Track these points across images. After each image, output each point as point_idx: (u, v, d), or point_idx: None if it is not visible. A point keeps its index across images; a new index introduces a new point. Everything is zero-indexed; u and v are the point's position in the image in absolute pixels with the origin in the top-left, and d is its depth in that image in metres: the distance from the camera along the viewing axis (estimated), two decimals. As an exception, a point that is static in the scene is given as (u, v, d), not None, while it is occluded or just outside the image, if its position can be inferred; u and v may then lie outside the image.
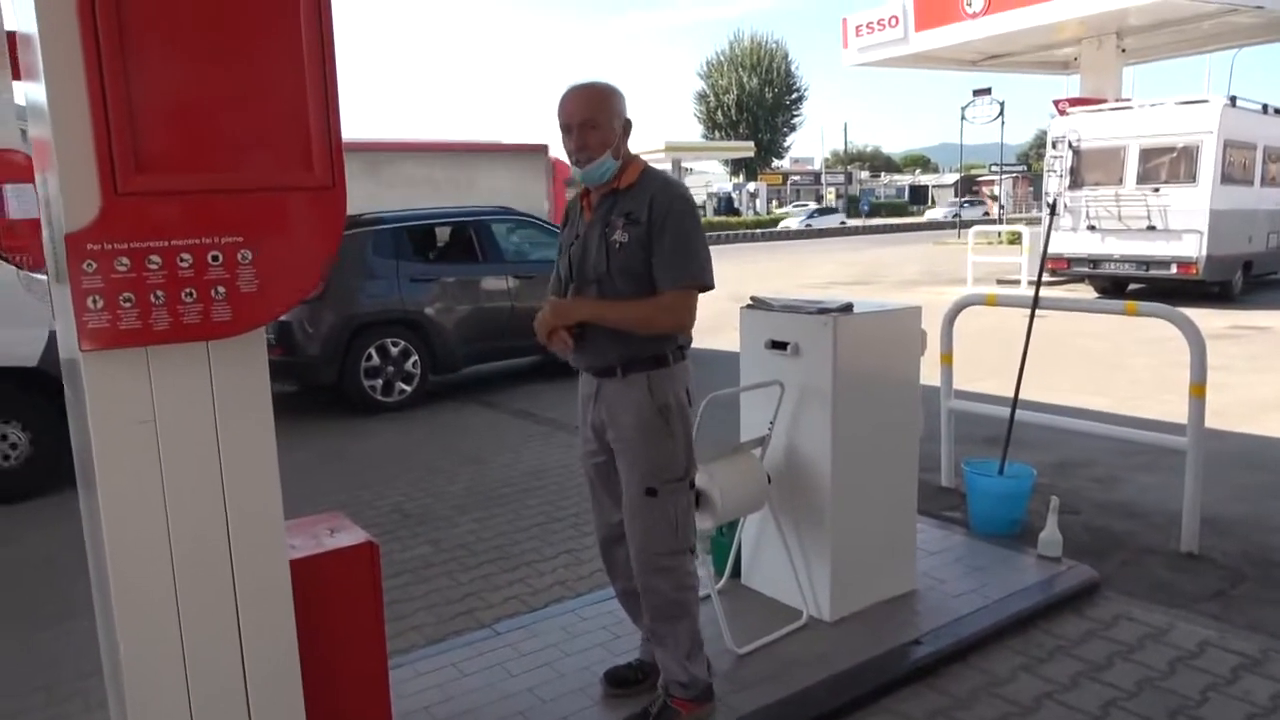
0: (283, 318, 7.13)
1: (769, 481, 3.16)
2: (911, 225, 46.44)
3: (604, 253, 2.44)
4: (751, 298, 3.36)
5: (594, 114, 2.41)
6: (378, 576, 2.30)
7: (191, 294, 1.71)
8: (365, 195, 13.92)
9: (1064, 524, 3.82)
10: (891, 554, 3.38)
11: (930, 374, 4.08)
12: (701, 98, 53.73)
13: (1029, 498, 4.11)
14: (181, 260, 1.70)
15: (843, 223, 45.72)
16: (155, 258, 1.69)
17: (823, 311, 3.09)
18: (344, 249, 7.30)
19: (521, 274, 8.19)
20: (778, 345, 3.20)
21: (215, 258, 1.72)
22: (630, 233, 2.40)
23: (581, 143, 2.41)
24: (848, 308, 3.15)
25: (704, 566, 3.19)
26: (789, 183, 64.65)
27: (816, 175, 67.12)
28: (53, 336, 5.40)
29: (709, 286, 2.44)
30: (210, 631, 1.86)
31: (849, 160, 69.13)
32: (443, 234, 8.49)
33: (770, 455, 3.22)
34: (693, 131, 53.19)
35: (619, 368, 2.48)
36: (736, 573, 3.56)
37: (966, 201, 51.12)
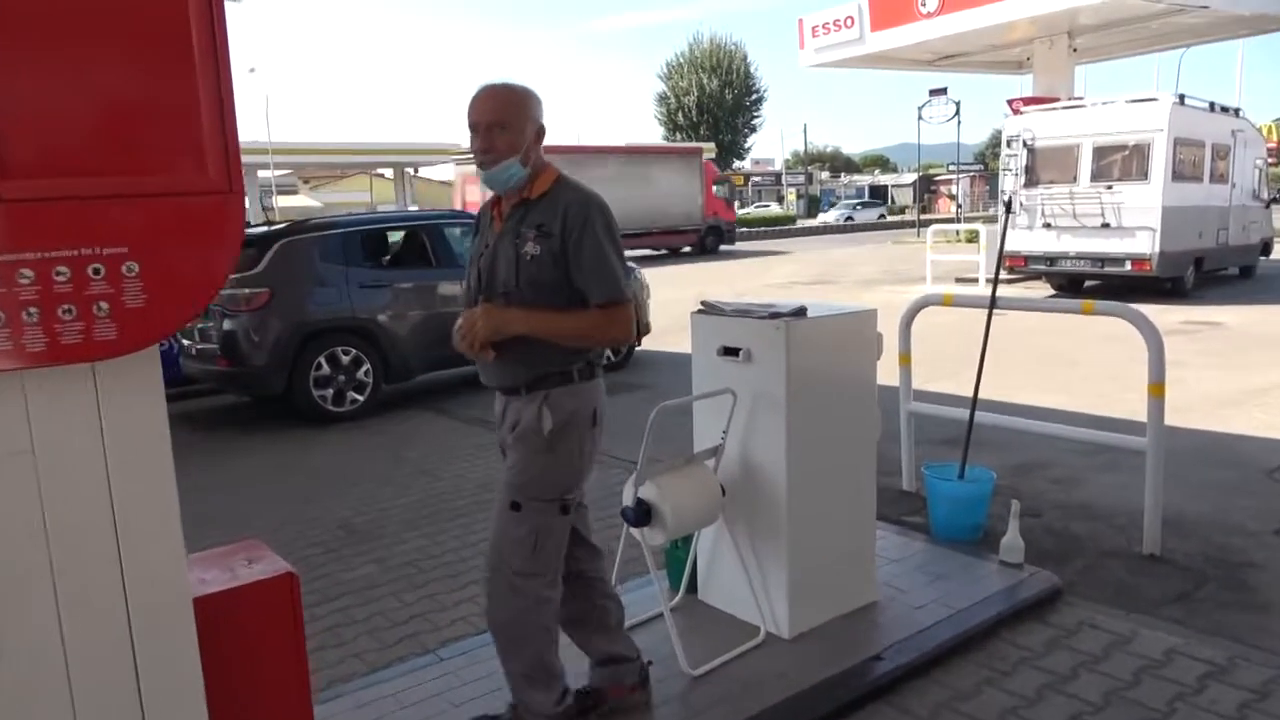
0: (227, 326, 6.91)
1: (723, 493, 3.03)
2: (871, 225, 46.77)
3: (514, 265, 2.33)
4: (702, 302, 3.24)
5: (504, 116, 2.28)
6: (298, 610, 2.13)
7: (70, 311, 1.54)
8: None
9: (1025, 527, 3.74)
10: (851, 565, 3.27)
11: (889, 375, 3.99)
12: (662, 99, 53.69)
13: (990, 501, 4.03)
14: (58, 274, 1.53)
15: (882, 216, 48.82)
16: (27, 271, 1.52)
17: (775, 316, 2.97)
18: (292, 255, 7.10)
19: (476, 279, 8.00)
20: (730, 352, 3.07)
21: (96, 271, 1.56)
22: (542, 245, 2.29)
23: (488, 144, 2.28)
24: (800, 311, 3.03)
25: (659, 582, 3.07)
26: (750, 183, 64.87)
27: (777, 176, 67.41)
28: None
29: (629, 299, 2.35)
30: (103, 679, 1.69)
31: (809, 161, 69.53)
32: (394, 239, 8.28)
33: (724, 466, 3.10)
34: (654, 133, 53.14)
35: (524, 387, 2.40)
36: (694, 588, 3.43)
37: (860, 204, 51.67)
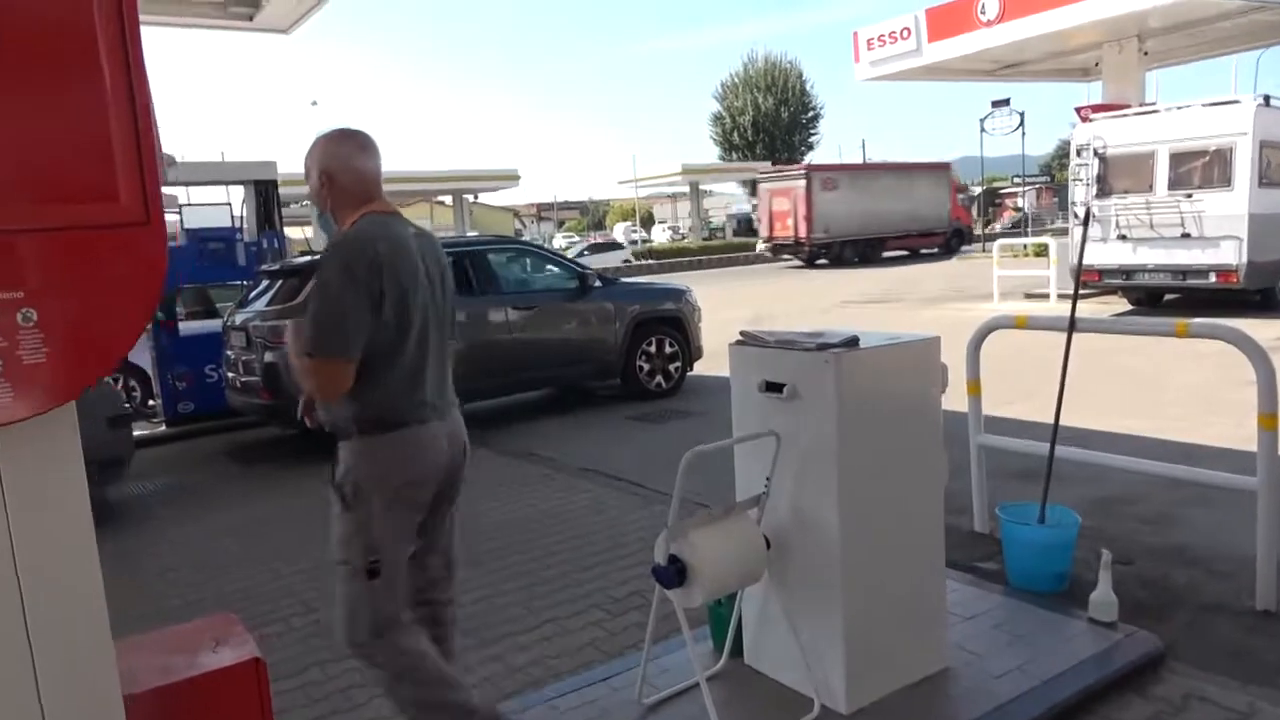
0: (269, 358, 6.76)
1: (768, 547, 2.67)
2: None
3: None
4: (741, 332, 2.89)
5: (305, 165, 2.31)
6: (265, 699, 1.84)
7: (-47, 369, 1.28)
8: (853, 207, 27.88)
9: (1116, 577, 3.28)
10: (917, 625, 2.87)
11: (956, 400, 3.59)
12: (718, 120, 53.45)
13: (1074, 546, 3.58)
14: (-64, 325, 1.27)
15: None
16: (-102, 323, 1.26)
17: (823, 347, 2.61)
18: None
19: (521, 305, 7.78)
20: (773, 387, 2.72)
21: (-16, 320, 1.29)
22: None
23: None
24: (852, 341, 2.67)
25: (693, 645, 2.71)
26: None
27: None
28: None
29: (331, 355, 2.14)
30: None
31: (868, 177, 68.40)
32: (437, 266, 8.09)
33: (769, 517, 2.74)
34: (710, 154, 52.86)
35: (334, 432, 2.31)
36: (740, 649, 3.06)
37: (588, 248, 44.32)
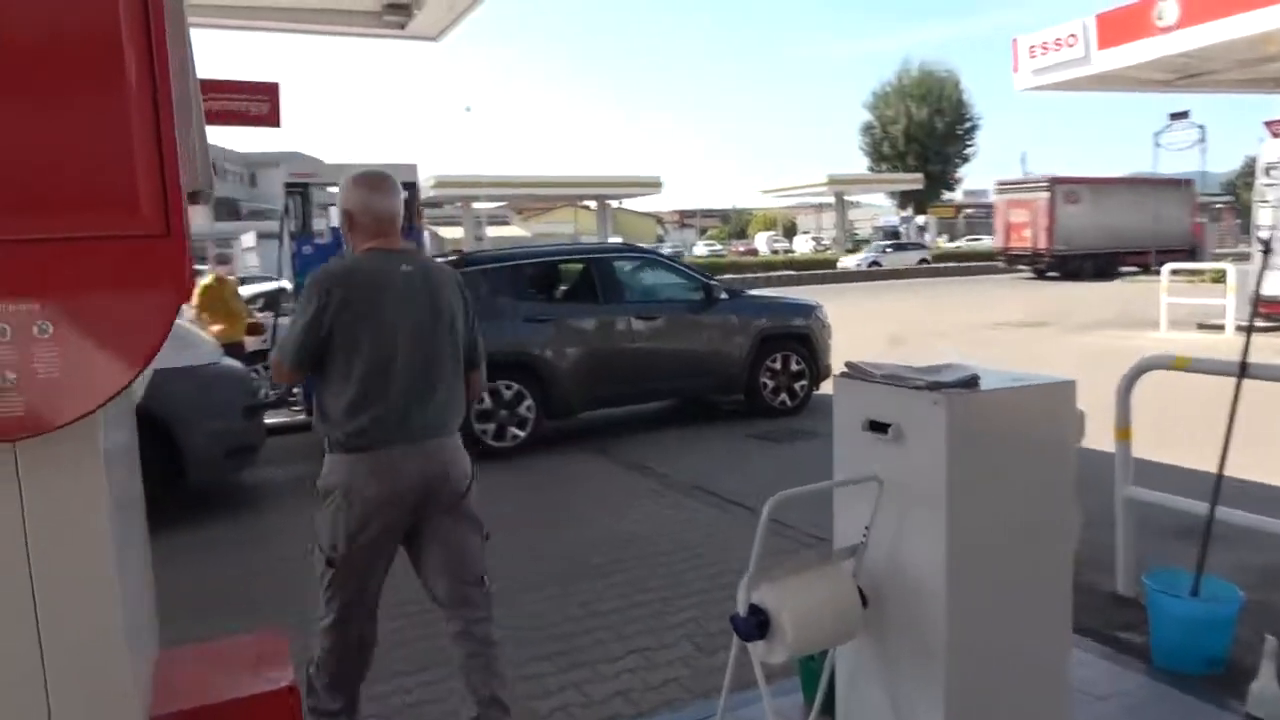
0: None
1: (864, 603, 2.42)
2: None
3: None
4: (847, 364, 2.64)
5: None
6: (294, 733, 1.75)
7: (-35, 383, 1.24)
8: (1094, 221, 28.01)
9: (1284, 667, 2.82)
10: (1034, 701, 2.54)
11: (1101, 438, 3.19)
12: (868, 129, 52.11)
13: (1234, 626, 3.12)
14: (-51, 337, 1.23)
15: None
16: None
17: (934, 387, 2.34)
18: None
19: (644, 315, 7.67)
20: (877, 427, 2.46)
21: (1, 332, 1.25)
22: None
23: None
24: (970, 381, 2.37)
25: (768, 700, 2.48)
26: (961, 215, 61.58)
27: (991, 208, 63.50)
28: (156, 376, 5.31)
29: (280, 359, 2.55)
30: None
31: (1027, 191, 65.07)
32: (561, 273, 8.11)
33: (867, 569, 2.48)
34: (858, 164, 51.57)
35: None
36: (832, 707, 2.81)
37: (890, 246, 40.70)
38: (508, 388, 7.04)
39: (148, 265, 1.28)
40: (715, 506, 5.48)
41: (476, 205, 39.60)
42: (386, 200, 2.55)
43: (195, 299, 8.96)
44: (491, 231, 43.30)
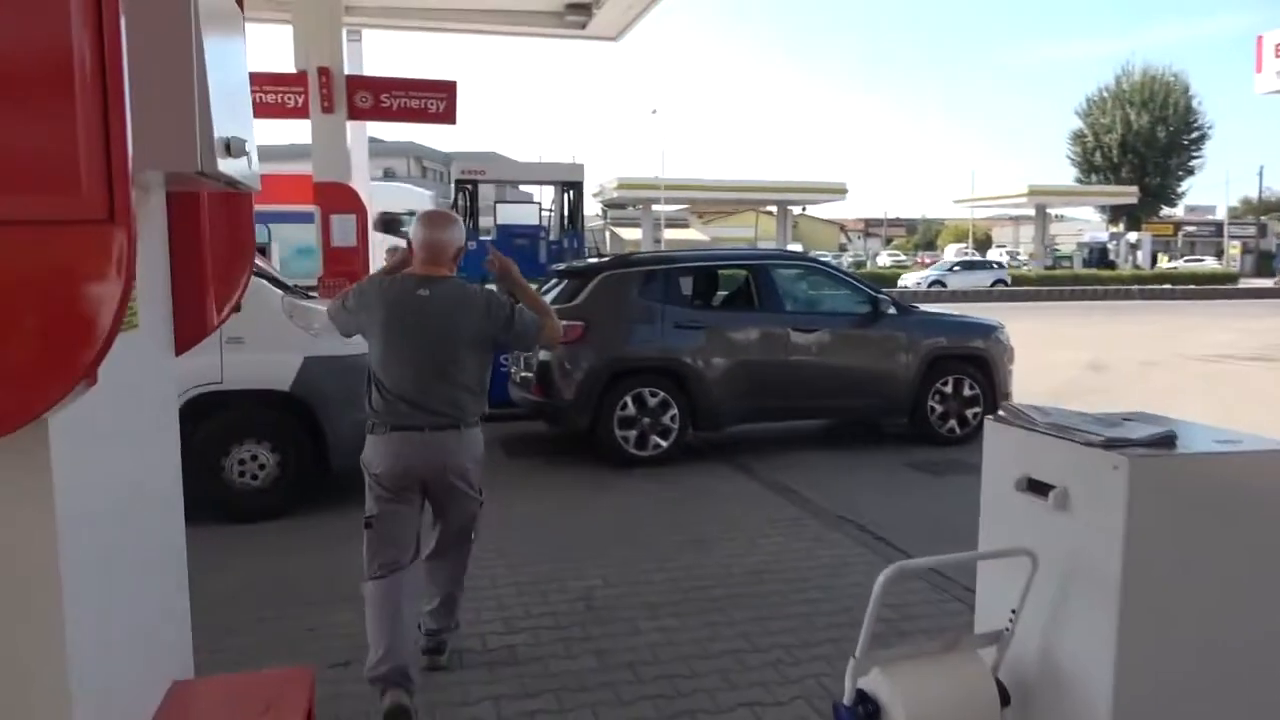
0: (542, 356, 6.83)
1: (1003, 702, 1.96)
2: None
3: None
4: (1002, 406, 2.18)
5: None
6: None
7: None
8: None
9: None
10: None
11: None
12: (1078, 138, 48.51)
13: None
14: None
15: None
16: None
17: (1115, 444, 1.85)
18: (611, 289, 6.87)
19: (802, 326, 7.22)
20: (1037, 488, 2.00)
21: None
22: None
23: None
24: (1165, 440, 1.87)
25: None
26: (1181, 234, 56.16)
27: (1218, 226, 57.54)
28: (306, 362, 5.45)
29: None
30: None
31: (1264, 210, 58.49)
32: (717, 279, 7.78)
33: (1010, 661, 2.02)
34: (1063, 174, 48.05)
35: None
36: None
37: (959, 265, 34.59)
38: (653, 395, 6.80)
39: (90, 253, 1.08)
40: (861, 543, 4.99)
41: (657, 207, 39.93)
42: (434, 234, 3.18)
43: None
44: (670, 234, 43.59)
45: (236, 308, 2.02)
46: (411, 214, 23.04)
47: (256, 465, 5.41)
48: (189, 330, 1.86)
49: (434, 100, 8.79)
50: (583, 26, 11.05)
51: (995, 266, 36.83)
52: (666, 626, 3.87)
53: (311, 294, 8.13)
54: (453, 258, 3.24)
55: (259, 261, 6.19)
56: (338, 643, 3.68)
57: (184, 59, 1.27)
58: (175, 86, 1.28)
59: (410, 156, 48.79)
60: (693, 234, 50.46)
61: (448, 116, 8.90)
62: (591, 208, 56.11)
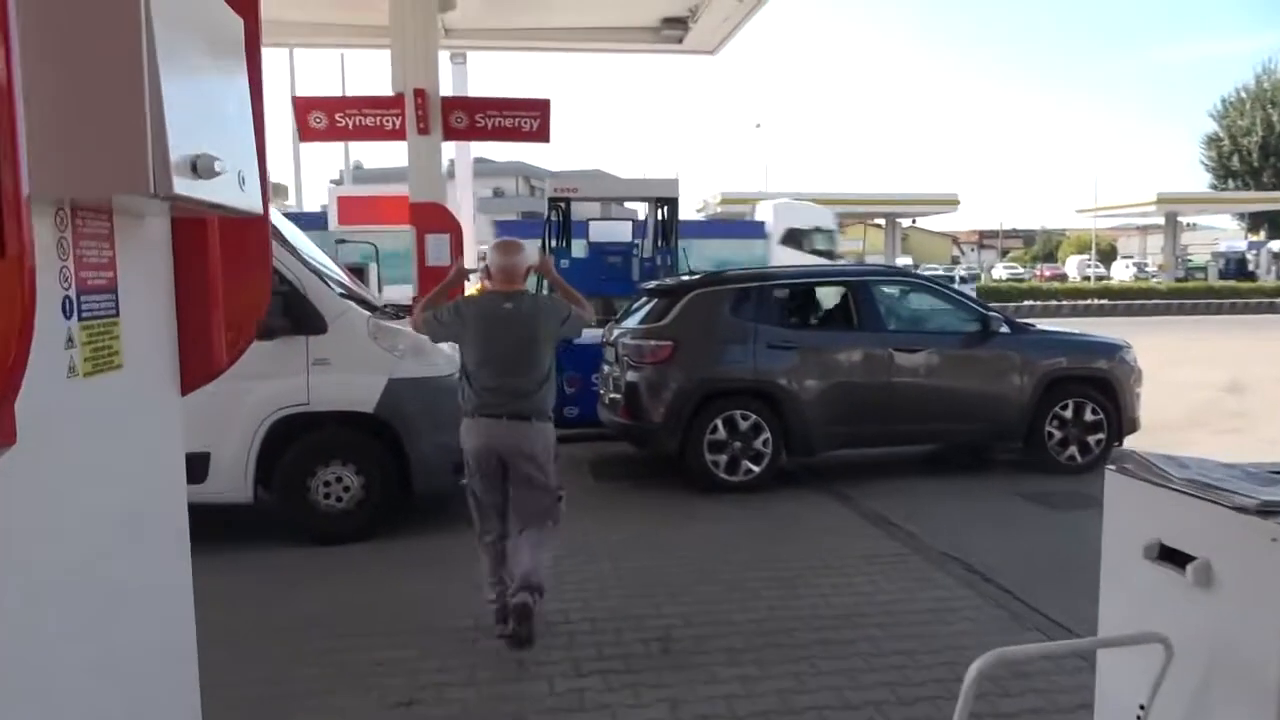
0: (630, 378, 6.65)
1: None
2: None
3: None
4: (1127, 455, 1.82)
5: None
6: None
7: None
8: None
9: None
10: None
11: None
12: (1212, 141, 45.52)
13: None
14: None
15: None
16: None
17: (1273, 511, 1.49)
18: (701, 308, 6.64)
19: (906, 346, 6.80)
20: (1171, 557, 1.64)
21: None
22: None
23: None
24: (1341, 509, 1.49)
25: None
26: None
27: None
28: (391, 384, 5.40)
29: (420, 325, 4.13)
30: None
31: None
32: (813, 296, 7.42)
33: (1138, 768, 1.66)
34: (1197, 181, 45.13)
35: None
36: None
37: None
38: (744, 418, 6.51)
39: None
40: (966, 584, 4.57)
41: (760, 222, 39.42)
42: (508, 259, 3.96)
43: None
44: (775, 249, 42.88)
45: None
46: (818, 229, 23.64)
47: (341, 487, 5.38)
48: (196, 368, 1.71)
49: (528, 119, 8.75)
50: (679, 41, 10.89)
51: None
52: (747, 675, 3.57)
53: (403, 314, 8.20)
54: (523, 275, 4.03)
55: (349, 282, 6.21)
56: (401, 680, 3.54)
57: (129, 70, 1.10)
58: (118, 100, 1.12)
59: (518, 175, 49.84)
60: (794, 251, 49.55)
61: (541, 135, 8.85)
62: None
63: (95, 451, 1.36)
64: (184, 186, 1.20)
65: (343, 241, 16.30)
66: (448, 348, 6.12)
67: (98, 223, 1.36)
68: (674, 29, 10.70)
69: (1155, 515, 1.70)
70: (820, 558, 5.01)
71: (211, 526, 5.57)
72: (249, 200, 1.50)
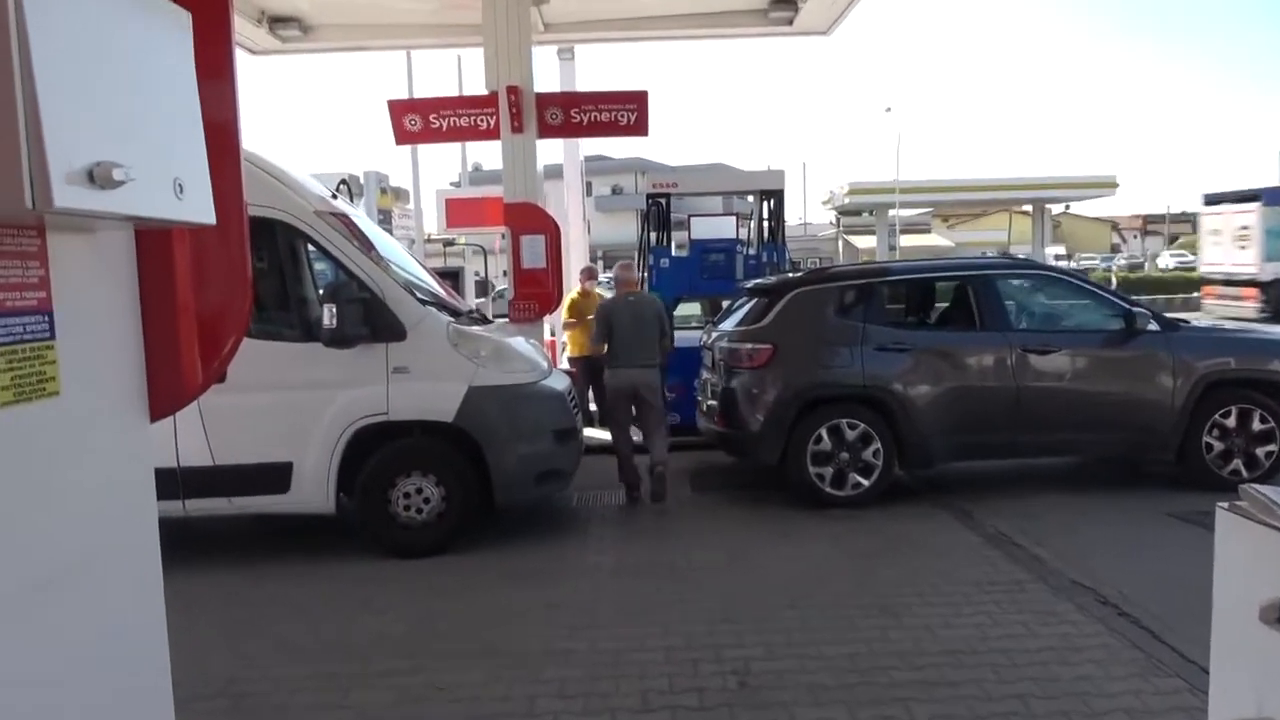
0: (728, 383, 6.47)
1: None
2: None
3: None
4: (1243, 488, 1.52)
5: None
6: None
7: None
8: None
9: None
10: None
11: None
12: None
13: None
14: None
15: None
16: None
17: None
18: (803, 307, 6.39)
19: (1036, 347, 6.32)
20: (1294, 625, 1.35)
21: None
22: None
23: None
24: None
25: None
26: None
27: None
28: (471, 393, 5.39)
29: (596, 343, 6.93)
30: None
31: None
32: (930, 292, 7.03)
33: None
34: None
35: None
36: None
37: None
38: (851, 426, 6.19)
39: None
40: (1098, 619, 4.15)
41: (895, 212, 38.19)
42: (627, 274, 6.91)
43: (563, 312, 9.37)
44: (908, 241, 41.53)
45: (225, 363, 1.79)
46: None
47: (421, 499, 5.41)
48: (167, 390, 1.64)
49: (625, 112, 8.64)
50: (789, 23, 10.55)
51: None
52: (830, 718, 3.33)
53: (494, 319, 8.26)
54: (637, 282, 7.34)
55: (435, 286, 6.26)
56: (461, 707, 3.48)
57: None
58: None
59: (637, 171, 50.08)
60: (934, 240, 47.78)
61: (639, 128, 8.73)
62: (823, 217, 55.09)
63: (18, 485, 1.31)
64: (74, 199, 1.12)
65: (450, 243, 16.72)
66: (533, 352, 6.13)
67: (20, 240, 1.30)
68: (783, 9, 10.37)
69: (1272, 564, 1.40)
70: (930, 584, 4.68)
71: (292, 535, 5.77)
72: (192, 210, 1.42)
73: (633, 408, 6.55)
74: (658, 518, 6.25)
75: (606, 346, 6.56)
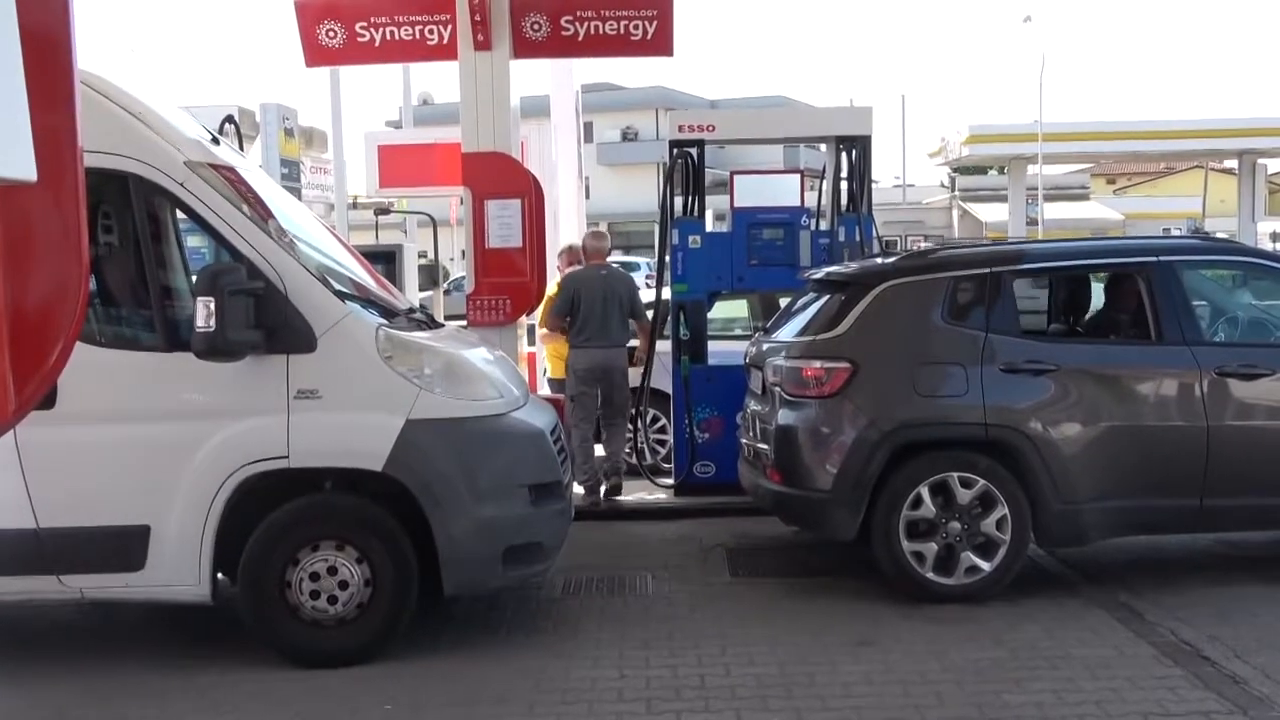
0: (783, 419, 6.54)
1: None
2: None
3: None
4: None
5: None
6: None
7: None
8: None
9: None
10: None
11: None
12: None
13: None
14: None
15: None
16: None
17: None
18: (895, 309, 6.50)
19: (1239, 368, 6.36)
20: None
21: None
22: None
23: None
24: None
25: None
26: None
27: None
28: (409, 427, 5.42)
29: (550, 326, 9.78)
30: None
31: None
32: (1084, 287, 7.09)
33: None
34: None
35: None
36: None
37: None
38: (966, 485, 6.22)
39: None
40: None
41: (1034, 169, 38.30)
42: (598, 244, 9.72)
43: (540, 313, 9.45)
44: (1056, 211, 41.56)
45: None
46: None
47: (335, 583, 5.44)
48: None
49: (638, 21, 8.71)
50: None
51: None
52: None
53: (446, 321, 8.32)
54: (606, 253, 9.93)
55: (363, 273, 6.33)
56: None
57: None
58: None
59: (658, 108, 50.42)
60: (1096, 210, 47.90)
61: (659, 45, 8.82)
62: (931, 176, 55.22)
63: None
64: None
65: (385, 211, 16.79)
66: (500, 371, 6.18)
67: None
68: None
69: None
70: (1079, 716, 4.70)
71: (156, 627, 5.80)
72: (1, 161, 1.45)
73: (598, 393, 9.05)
74: (684, 611, 6.29)
75: (569, 322, 8.93)
